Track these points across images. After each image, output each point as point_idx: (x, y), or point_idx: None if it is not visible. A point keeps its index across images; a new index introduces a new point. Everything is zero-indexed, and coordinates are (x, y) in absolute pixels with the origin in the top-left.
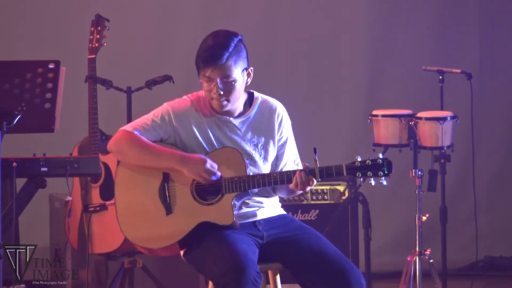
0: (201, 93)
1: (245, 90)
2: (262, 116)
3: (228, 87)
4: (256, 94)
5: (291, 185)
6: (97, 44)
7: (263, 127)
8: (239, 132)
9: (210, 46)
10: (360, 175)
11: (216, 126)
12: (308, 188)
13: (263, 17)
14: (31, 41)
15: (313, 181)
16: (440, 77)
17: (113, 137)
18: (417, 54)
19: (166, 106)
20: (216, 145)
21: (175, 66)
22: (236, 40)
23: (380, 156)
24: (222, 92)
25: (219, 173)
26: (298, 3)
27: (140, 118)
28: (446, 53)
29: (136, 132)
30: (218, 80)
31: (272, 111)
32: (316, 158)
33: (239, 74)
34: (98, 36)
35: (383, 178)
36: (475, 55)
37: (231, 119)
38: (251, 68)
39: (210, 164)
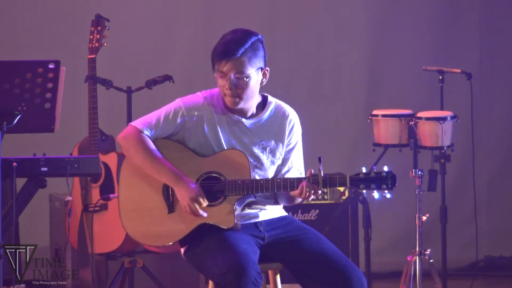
0: (215, 90)
1: (259, 93)
2: (275, 120)
3: (241, 83)
4: (270, 98)
5: (295, 193)
6: (97, 44)
7: (274, 131)
8: (249, 133)
9: (227, 40)
10: (363, 187)
11: (226, 124)
12: (311, 198)
13: (263, 17)
14: (31, 41)
15: (316, 191)
16: (440, 77)
17: (123, 132)
18: (417, 54)
19: (178, 102)
20: (224, 144)
21: (175, 66)
22: (254, 38)
23: (385, 169)
24: (234, 88)
25: (202, 213)
26: (298, 3)
27: (152, 113)
28: (446, 53)
29: (145, 132)
30: (232, 76)
31: (284, 116)
32: (321, 168)
33: (254, 72)
34: (98, 36)
35: (386, 191)
36: (475, 55)
37: (243, 119)
38: (268, 68)
39: (199, 197)
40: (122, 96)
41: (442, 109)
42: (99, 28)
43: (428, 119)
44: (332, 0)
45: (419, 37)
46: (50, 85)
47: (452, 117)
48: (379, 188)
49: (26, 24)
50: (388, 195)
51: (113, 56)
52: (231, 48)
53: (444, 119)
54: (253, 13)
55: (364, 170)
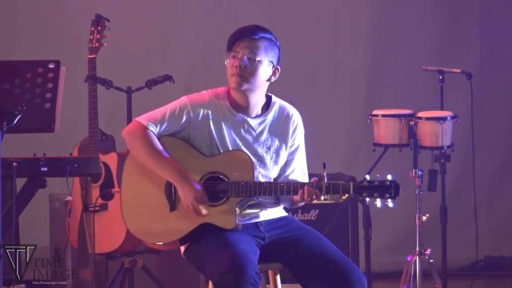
0: (221, 89)
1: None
2: (279, 120)
3: (251, 64)
4: (274, 98)
5: (297, 197)
6: (97, 44)
7: (278, 131)
8: (253, 132)
9: (249, 25)
10: (366, 195)
11: (231, 123)
12: (314, 202)
13: (263, 17)
14: (31, 41)
15: (319, 196)
16: (440, 77)
17: (128, 127)
18: (417, 54)
19: (184, 99)
20: (229, 143)
21: (175, 66)
22: (273, 36)
23: (389, 178)
24: (243, 67)
25: (204, 211)
26: (298, 4)
27: (157, 110)
28: (446, 53)
29: (150, 127)
30: (245, 56)
31: (288, 117)
32: (325, 174)
33: (266, 62)
34: (98, 36)
35: (389, 200)
36: (475, 55)
37: (248, 119)
38: (279, 67)
39: (202, 198)
40: (122, 96)
41: (442, 109)
42: (99, 28)
43: (428, 119)
44: (333, 0)
45: (419, 37)
46: (50, 85)
47: (452, 117)
48: (382, 197)
49: (26, 24)
50: (391, 204)
51: (113, 56)
52: (251, 29)
53: (444, 119)
54: (253, 14)
55: (368, 177)
